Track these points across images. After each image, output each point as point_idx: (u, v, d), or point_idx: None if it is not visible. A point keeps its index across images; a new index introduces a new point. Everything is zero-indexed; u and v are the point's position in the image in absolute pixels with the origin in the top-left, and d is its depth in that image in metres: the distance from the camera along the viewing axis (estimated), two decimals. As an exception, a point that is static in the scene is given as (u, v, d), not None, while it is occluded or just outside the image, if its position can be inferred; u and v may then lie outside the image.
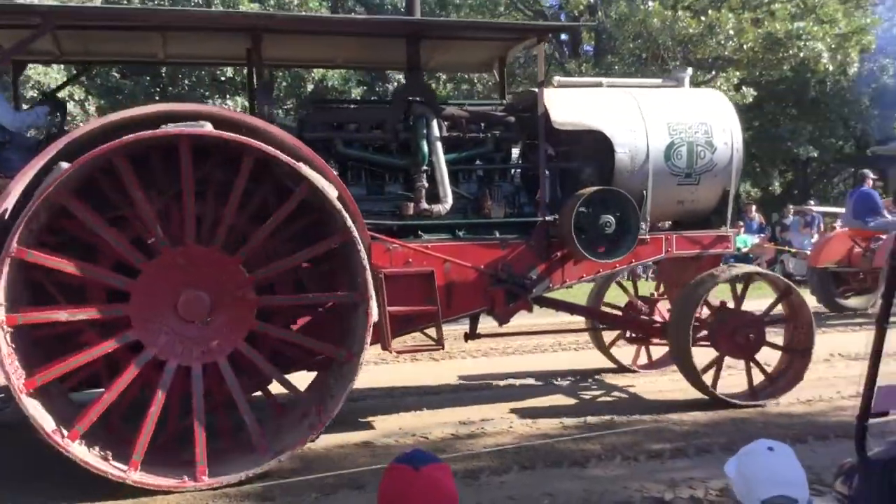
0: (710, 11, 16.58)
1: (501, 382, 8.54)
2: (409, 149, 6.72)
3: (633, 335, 8.51)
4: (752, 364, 7.24)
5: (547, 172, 6.91)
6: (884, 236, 12.17)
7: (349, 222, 5.57)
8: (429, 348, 6.98)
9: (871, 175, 12.91)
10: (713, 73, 16.17)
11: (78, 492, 5.14)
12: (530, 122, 7.00)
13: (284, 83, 17.12)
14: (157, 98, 12.08)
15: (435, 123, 6.74)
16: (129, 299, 5.36)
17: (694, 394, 7.22)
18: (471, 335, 7.56)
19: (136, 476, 5.14)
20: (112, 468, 5.14)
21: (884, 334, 2.99)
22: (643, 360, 8.91)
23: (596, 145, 7.05)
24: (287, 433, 5.71)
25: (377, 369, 8.91)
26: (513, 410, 7.26)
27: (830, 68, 16.12)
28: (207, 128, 5.36)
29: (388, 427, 6.83)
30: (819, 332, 8.11)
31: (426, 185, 6.65)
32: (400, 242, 6.40)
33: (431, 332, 6.75)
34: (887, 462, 2.88)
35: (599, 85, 7.76)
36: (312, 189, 5.45)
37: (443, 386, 8.33)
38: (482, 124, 7.11)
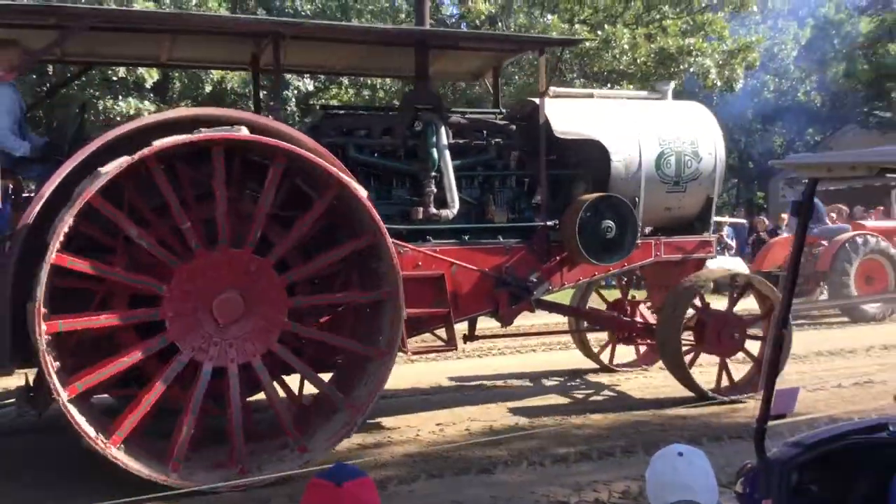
0: (605, 26, 17.09)
1: (426, 385, 8.56)
2: (417, 155, 6.87)
3: (624, 336, 8.80)
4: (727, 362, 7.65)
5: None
6: (824, 241, 13.08)
7: (380, 222, 5.77)
8: (443, 349, 7.18)
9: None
10: (608, 85, 16.64)
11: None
12: (529, 131, 7.24)
13: (180, 84, 16.63)
14: (46, 98, 11.49)
15: (443, 130, 6.89)
16: (163, 302, 5.38)
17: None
18: (470, 337, 7.68)
19: (176, 477, 5.19)
20: (154, 472, 5.14)
21: (781, 339, 3.12)
22: (614, 359, 9.27)
23: (593, 154, 7.32)
24: (319, 432, 5.83)
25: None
26: (422, 418, 7.25)
27: (718, 83, 16.86)
28: (244, 132, 5.45)
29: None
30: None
31: (435, 190, 6.81)
32: (411, 246, 6.53)
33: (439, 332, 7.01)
34: (785, 462, 2.99)
35: (591, 96, 8.21)
36: (343, 190, 5.65)
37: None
38: (484, 132, 7.31)
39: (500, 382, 8.73)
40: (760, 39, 18.13)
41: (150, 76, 14.68)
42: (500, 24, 19.14)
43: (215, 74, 15.46)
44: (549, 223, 7.07)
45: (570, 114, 7.37)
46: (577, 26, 16.98)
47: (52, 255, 4.91)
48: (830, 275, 12.91)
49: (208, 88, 15.89)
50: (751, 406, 7.01)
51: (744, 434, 6.37)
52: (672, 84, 8.78)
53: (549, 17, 17.93)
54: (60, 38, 5.99)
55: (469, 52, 7.91)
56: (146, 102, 15.18)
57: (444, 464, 5.86)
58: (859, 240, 13.06)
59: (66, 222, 4.97)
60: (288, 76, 15.56)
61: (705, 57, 16.47)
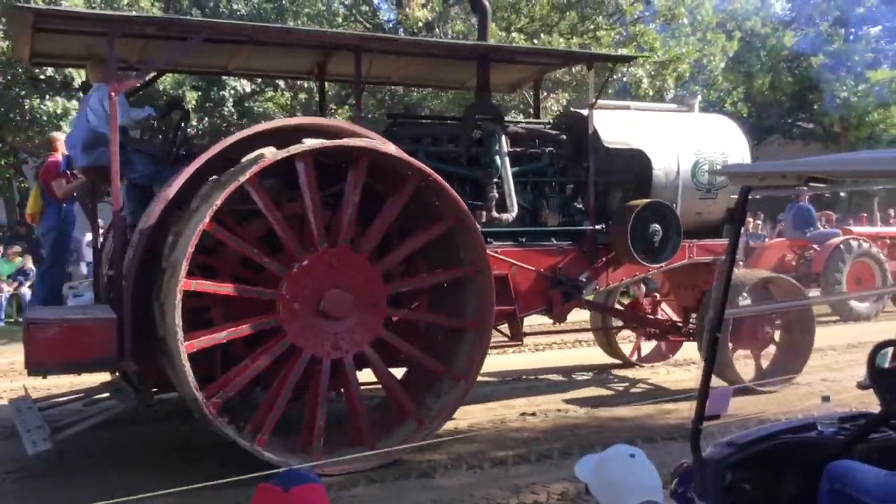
0: (542, 35, 17.30)
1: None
2: (478, 162, 7.33)
3: (655, 333, 9.41)
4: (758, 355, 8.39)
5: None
6: (816, 245, 13.79)
7: (462, 204, 6.25)
8: (510, 344, 7.72)
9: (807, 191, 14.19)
10: (544, 94, 16.83)
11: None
12: (576, 140, 7.76)
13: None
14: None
15: (503, 139, 7.31)
16: (278, 308, 5.73)
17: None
18: (516, 335, 7.85)
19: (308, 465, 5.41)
20: (301, 461, 5.36)
21: (716, 342, 3.22)
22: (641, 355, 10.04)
23: (636, 162, 7.83)
24: (434, 406, 6.33)
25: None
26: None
27: (650, 93, 17.23)
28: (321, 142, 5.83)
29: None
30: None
31: (496, 195, 7.20)
32: None
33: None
34: (719, 462, 3.09)
35: (627, 108, 8.78)
36: (425, 180, 6.08)
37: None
38: (537, 140, 7.74)
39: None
40: (690, 52, 18.59)
41: (79, 75, 14.26)
42: (437, 30, 19.20)
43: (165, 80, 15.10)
44: (597, 227, 7.55)
45: (614, 125, 7.92)
46: (514, 34, 17.16)
47: (182, 280, 5.24)
48: (824, 276, 13.52)
49: (140, 89, 15.51)
50: (683, 407, 7.19)
51: (676, 435, 6.53)
52: (699, 98, 9.50)
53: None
54: (180, 50, 6.41)
55: (517, 65, 8.41)
56: (74, 102, 14.74)
57: (385, 469, 5.86)
58: (852, 243, 13.81)
59: (204, 221, 5.29)
60: (224, 77, 15.34)
61: (637, 67, 16.83)
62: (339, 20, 20.69)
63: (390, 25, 21.72)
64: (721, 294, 3.17)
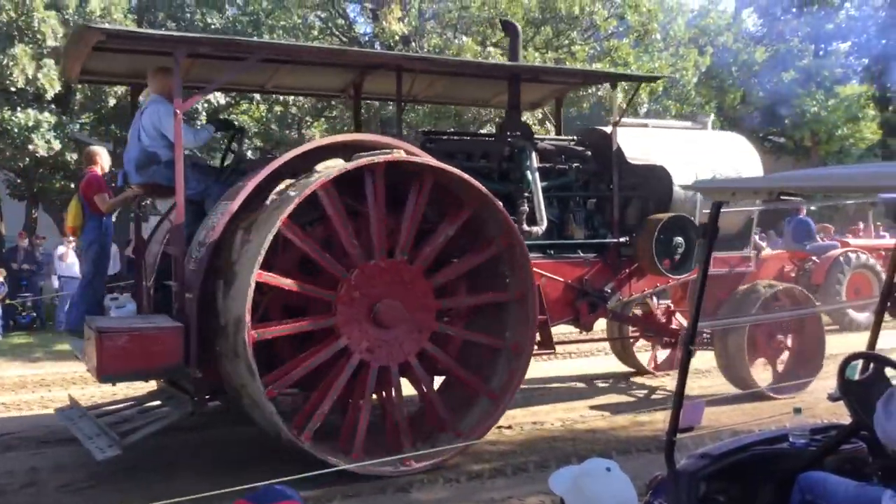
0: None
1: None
2: (509, 177, 7.52)
3: (671, 341, 9.67)
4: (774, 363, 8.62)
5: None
6: (815, 258, 14.17)
7: (515, 227, 6.57)
8: (544, 352, 7.81)
9: (805, 205, 14.67)
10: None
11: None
12: (599, 156, 8.05)
13: (81, 96, 16.06)
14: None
15: (533, 155, 7.54)
16: (336, 310, 6.00)
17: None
18: (547, 344, 7.82)
19: (356, 465, 5.69)
20: (343, 461, 5.70)
21: (690, 355, 3.25)
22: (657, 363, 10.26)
23: (657, 178, 8.01)
24: (467, 418, 6.55)
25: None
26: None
27: (624, 107, 17.41)
28: (401, 154, 6.18)
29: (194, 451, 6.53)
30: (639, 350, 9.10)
31: (527, 209, 7.38)
32: None
33: None
34: (693, 474, 3.11)
35: (646, 125, 9.09)
36: (485, 201, 6.36)
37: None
38: (563, 156, 7.99)
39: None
40: (664, 67, 18.80)
41: (52, 87, 14.14)
42: (413, 44, 19.28)
43: (119, 88, 15.00)
44: (621, 239, 7.80)
45: (635, 142, 8.21)
46: (490, 49, 17.26)
47: (256, 273, 5.48)
48: (825, 287, 13.73)
49: (112, 102, 15.40)
50: (657, 419, 7.23)
51: (650, 447, 6.57)
52: (712, 116, 9.80)
53: (465, 38, 18.17)
54: (238, 68, 6.75)
55: (541, 83, 8.61)
56: (46, 114, 14.60)
57: (360, 484, 5.83)
58: (851, 255, 14.24)
59: (277, 224, 5.53)
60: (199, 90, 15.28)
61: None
62: (315, 33, 20.73)
63: (366, 39, 21.77)
64: (695, 308, 3.19)
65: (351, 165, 5.91)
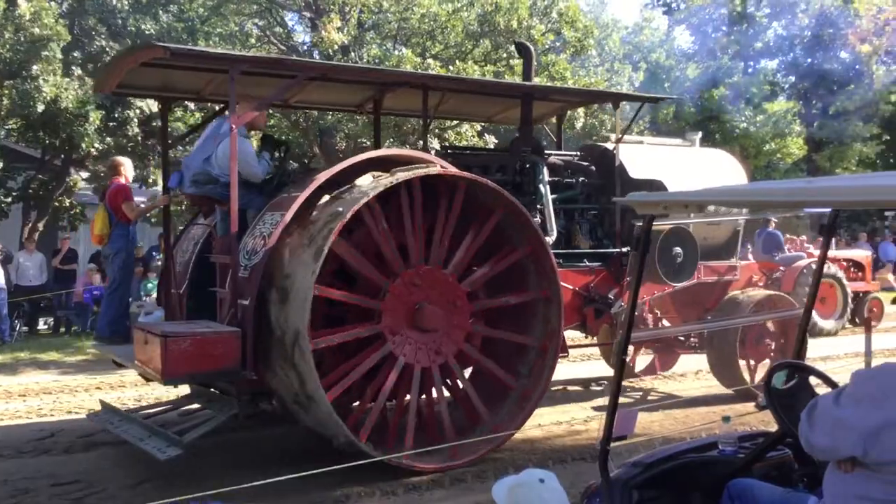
0: (457, 62, 17.54)
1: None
2: (522, 189, 7.85)
3: (659, 345, 10.06)
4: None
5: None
6: (782, 267, 14.92)
7: (541, 233, 7.04)
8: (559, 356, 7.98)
9: (774, 219, 15.34)
10: (458, 122, 17.07)
11: None
12: (605, 170, 8.57)
13: (7, 101, 15.57)
14: None
15: (545, 169, 8.01)
16: (382, 317, 6.40)
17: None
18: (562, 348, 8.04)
19: (407, 462, 6.13)
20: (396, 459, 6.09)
21: (623, 365, 3.31)
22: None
23: (655, 191, 7.96)
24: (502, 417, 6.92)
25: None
26: (275, 447, 7.07)
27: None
28: (437, 168, 6.59)
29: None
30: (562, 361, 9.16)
31: (539, 220, 7.71)
32: None
33: None
34: (627, 482, 3.16)
35: (641, 142, 9.57)
36: (513, 210, 6.83)
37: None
38: (569, 171, 8.52)
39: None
40: (599, 82, 19.16)
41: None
42: (352, 54, 19.24)
43: (49, 92, 14.60)
44: (623, 249, 8.25)
45: (635, 158, 8.69)
46: (429, 60, 17.34)
47: (314, 287, 5.79)
48: (793, 295, 14.22)
49: (41, 108, 14.95)
50: (593, 428, 7.32)
51: (586, 455, 6.65)
52: (700, 134, 10.45)
53: (404, 49, 18.21)
54: (285, 87, 7.09)
55: (544, 101, 9.01)
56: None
57: (298, 498, 5.76)
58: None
59: (331, 239, 5.87)
60: (130, 98, 14.97)
61: (549, 95, 17.25)
62: (253, 41, 20.51)
63: (305, 48, 21.65)
64: (628, 322, 3.25)
65: (392, 181, 6.26)
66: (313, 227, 6.12)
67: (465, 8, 18.50)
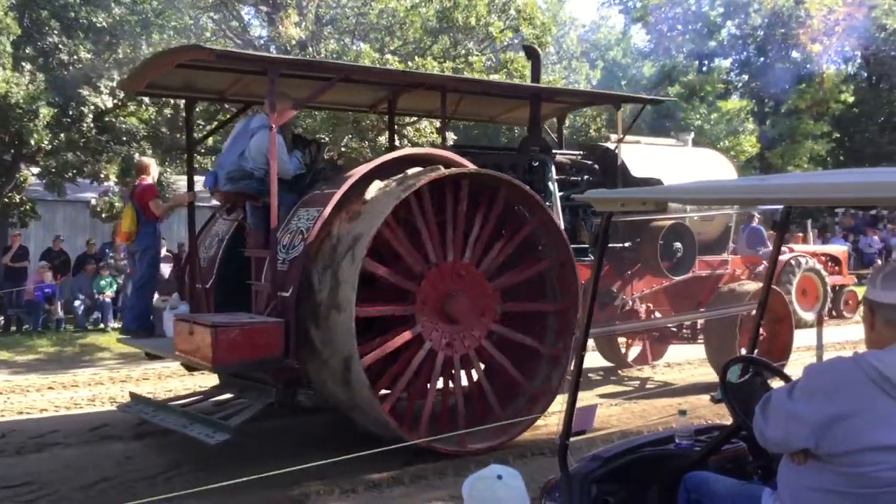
0: (416, 58, 17.51)
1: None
2: (531, 186, 7.78)
3: (657, 335, 10.44)
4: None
5: None
6: (766, 262, 14.91)
7: (569, 246, 7.40)
8: None
9: (758, 214, 15.80)
10: (418, 118, 17.06)
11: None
12: (607, 168, 8.95)
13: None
14: None
15: (553, 168, 8.36)
16: (415, 300, 6.70)
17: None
18: None
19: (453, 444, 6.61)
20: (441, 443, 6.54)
21: (582, 360, 3.34)
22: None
23: None
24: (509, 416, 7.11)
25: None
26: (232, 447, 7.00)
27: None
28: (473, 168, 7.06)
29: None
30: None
31: None
32: None
33: None
34: (585, 476, 3.19)
35: (638, 142, 9.90)
36: (546, 218, 7.28)
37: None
38: (574, 169, 8.90)
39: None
40: (557, 80, 19.28)
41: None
42: (310, 49, 19.09)
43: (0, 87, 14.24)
44: (625, 244, 8.69)
45: (634, 157, 9.14)
46: (388, 56, 17.29)
47: (361, 261, 6.08)
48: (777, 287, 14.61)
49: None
50: (552, 423, 7.38)
51: (545, 450, 6.70)
52: (692, 134, 11.20)
53: (361, 45, 18.14)
54: (321, 89, 7.27)
55: (549, 102, 9.22)
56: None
57: (256, 497, 5.70)
58: (801, 259, 15.60)
59: (376, 226, 6.20)
60: (86, 93, 14.69)
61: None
62: (208, 35, 20.26)
63: (262, 42, 21.44)
64: (587, 315, 3.27)
65: (442, 173, 6.61)
66: (358, 218, 6.43)
67: (423, 4, 18.47)
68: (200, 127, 19.14)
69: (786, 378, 3.21)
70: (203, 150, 17.54)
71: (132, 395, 7.88)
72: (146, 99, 16.99)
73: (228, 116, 10.78)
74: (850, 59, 33.17)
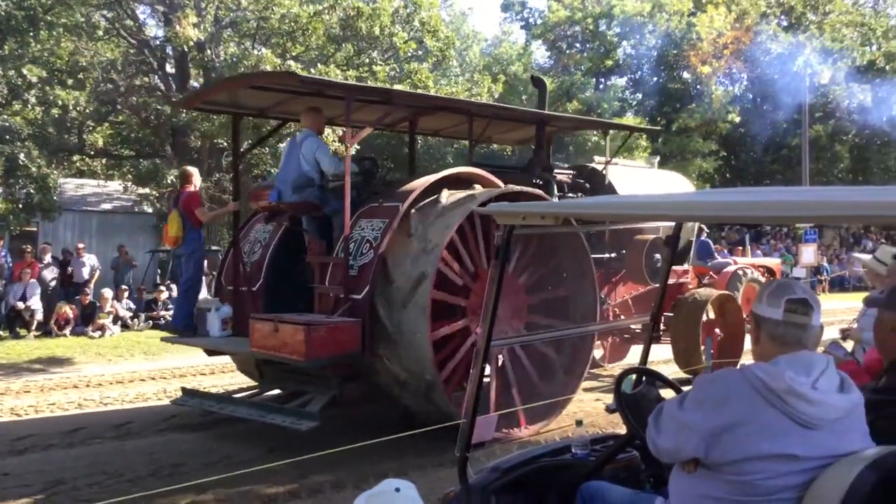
0: (318, 65, 17.36)
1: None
2: None
3: (628, 336, 11.26)
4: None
5: None
6: (713, 272, 15.95)
7: (597, 289, 8.54)
8: None
9: (706, 228, 16.42)
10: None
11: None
12: (596, 186, 10.04)
13: None
14: None
15: (555, 186, 9.24)
16: (467, 313, 7.62)
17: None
18: None
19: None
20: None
21: (483, 370, 3.35)
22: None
23: None
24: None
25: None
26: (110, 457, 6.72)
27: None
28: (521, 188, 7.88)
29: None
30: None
31: None
32: None
33: None
34: (485, 487, 3.20)
35: (615, 164, 10.74)
36: (585, 262, 8.44)
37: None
38: (569, 186, 9.80)
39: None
40: (460, 91, 19.45)
41: None
42: (208, 51, 18.63)
43: None
44: (612, 255, 9.86)
45: (617, 177, 10.27)
46: (290, 62, 17.07)
47: (431, 285, 6.91)
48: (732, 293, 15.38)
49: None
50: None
51: (446, 462, 6.69)
52: (658, 157, 12.51)
53: (263, 50, 17.82)
54: (385, 113, 8.08)
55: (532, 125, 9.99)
56: None
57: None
58: (747, 270, 16.24)
59: (442, 246, 7.06)
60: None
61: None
62: (101, 33, 19.51)
63: (157, 42, 20.79)
64: (488, 327, 3.28)
65: (496, 192, 7.49)
66: (428, 231, 7.14)
67: (326, 11, 18.34)
68: (90, 127, 18.39)
69: (678, 389, 3.31)
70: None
71: (184, 389, 8.21)
72: (33, 98, 16.26)
73: (268, 131, 11.37)
74: (737, 80, 34.86)
